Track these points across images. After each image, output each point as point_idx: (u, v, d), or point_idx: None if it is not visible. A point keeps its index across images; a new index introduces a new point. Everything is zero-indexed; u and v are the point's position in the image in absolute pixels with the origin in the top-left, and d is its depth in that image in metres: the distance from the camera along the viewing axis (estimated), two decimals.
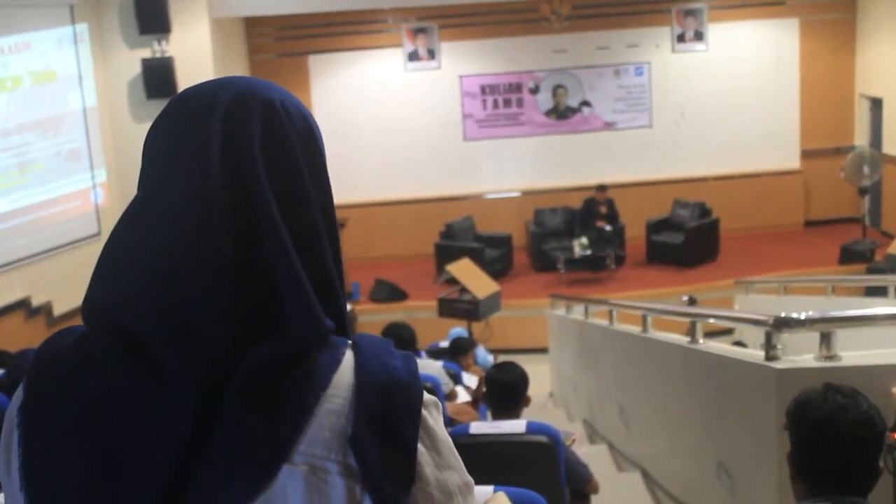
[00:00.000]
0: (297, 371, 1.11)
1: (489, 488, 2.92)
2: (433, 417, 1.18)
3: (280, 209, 1.13)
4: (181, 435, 1.07)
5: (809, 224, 15.79)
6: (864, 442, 2.38)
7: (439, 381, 6.14)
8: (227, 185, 1.12)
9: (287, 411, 1.09)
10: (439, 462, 1.17)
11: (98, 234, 11.54)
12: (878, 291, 9.37)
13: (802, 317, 3.95)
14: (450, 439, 1.21)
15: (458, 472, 1.19)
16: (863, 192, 13.98)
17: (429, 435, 1.16)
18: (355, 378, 1.13)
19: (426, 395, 1.18)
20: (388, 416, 1.12)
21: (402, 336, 6.75)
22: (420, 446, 1.14)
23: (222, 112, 1.15)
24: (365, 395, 1.12)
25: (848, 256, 13.33)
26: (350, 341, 1.18)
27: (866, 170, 13.62)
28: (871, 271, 12.15)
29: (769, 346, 4.03)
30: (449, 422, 5.08)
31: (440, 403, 1.22)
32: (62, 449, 1.11)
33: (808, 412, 2.42)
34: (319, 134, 1.25)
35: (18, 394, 1.16)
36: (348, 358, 1.15)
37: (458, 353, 8.01)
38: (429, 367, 6.29)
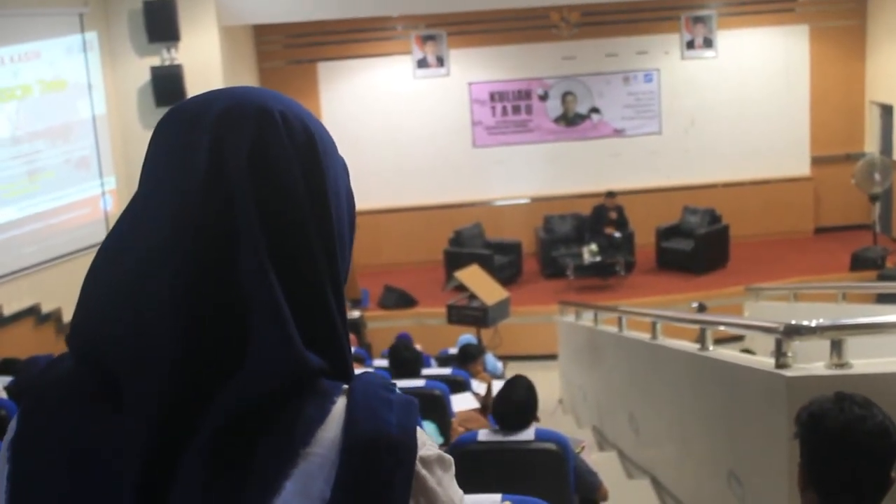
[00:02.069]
0: (275, 422, 1.00)
1: (497, 497, 2.90)
2: (435, 477, 1.06)
3: (264, 227, 1.02)
4: (133, 496, 0.98)
5: (820, 231, 15.73)
6: (879, 452, 2.35)
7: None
8: (209, 196, 1.03)
9: (259, 473, 0.98)
10: None
11: None
12: (890, 298, 9.32)
13: (813, 324, 3.92)
14: (458, 498, 1.10)
15: None
16: (873, 198, 13.93)
17: (427, 497, 1.05)
18: (342, 433, 1.01)
19: (430, 452, 1.07)
20: (373, 478, 1.00)
21: (403, 358, 6.73)
22: None
23: (213, 120, 1.06)
24: (348, 455, 1.00)
25: (859, 263, 13.27)
26: (346, 387, 1.06)
27: (877, 176, 13.57)
28: (882, 278, 12.10)
29: (780, 353, 4.00)
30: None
31: (447, 458, 1.10)
32: (43, 493, 1.05)
33: (823, 422, 2.39)
34: (327, 149, 1.12)
35: (12, 426, 1.10)
36: (338, 409, 1.03)
37: (466, 360, 8.00)
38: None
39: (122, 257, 1.06)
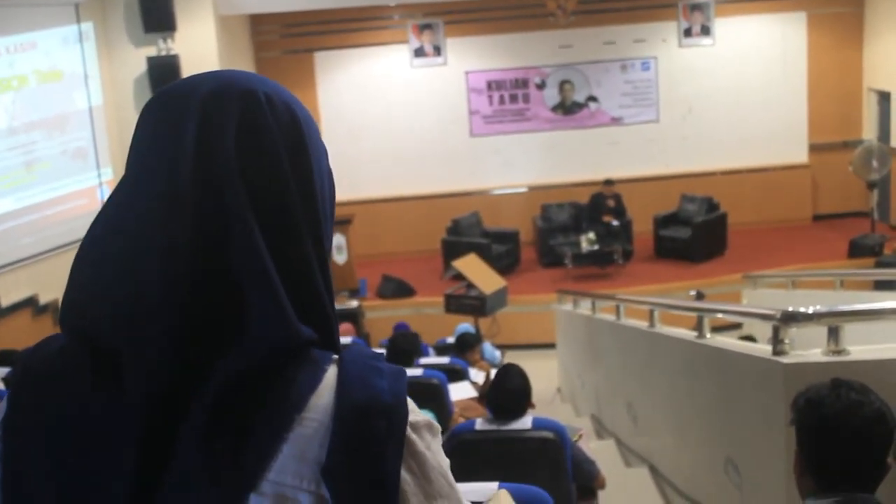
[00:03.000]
0: (270, 390, 1.03)
1: (494, 485, 2.89)
2: (424, 441, 1.09)
3: (253, 205, 1.05)
4: (134, 462, 1.00)
5: (818, 218, 15.73)
6: (876, 439, 2.36)
7: None
8: (197, 176, 1.05)
9: (256, 436, 1.01)
10: (429, 491, 1.09)
11: None
12: (887, 285, 9.33)
13: (810, 311, 3.93)
14: (445, 464, 1.13)
15: (451, 501, 1.11)
16: (871, 185, 13.93)
17: (417, 461, 1.08)
18: (335, 399, 1.04)
19: (419, 417, 1.10)
20: (367, 442, 1.03)
21: (402, 349, 6.76)
22: (406, 474, 1.06)
23: (198, 103, 1.08)
24: (342, 420, 1.03)
25: (856, 250, 13.28)
26: (335, 356, 1.09)
27: (875, 163, 13.57)
28: (879, 265, 12.11)
29: (777, 340, 4.00)
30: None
31: (436, 425, 1.14)
32: (36, 472, 1.06)
33: (820, 409, 2.39)
34: (311, 131, 1.15)
35: (3, 406, 1.11)
36: (330, 376, 1.06)
37: (464, 349, 8.01)
38: None
39: (113, 237, 1.08)
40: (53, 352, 1.11)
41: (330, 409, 1.04)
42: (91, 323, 1.06)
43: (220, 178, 1.05)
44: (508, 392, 4.46)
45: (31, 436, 1.07)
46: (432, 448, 1.11)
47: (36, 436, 1.06)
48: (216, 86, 1.11)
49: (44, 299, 10.78)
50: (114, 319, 1.04)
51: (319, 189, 1.13)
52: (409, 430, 1.07)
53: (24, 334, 9.76)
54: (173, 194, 1.05)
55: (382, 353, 1.14)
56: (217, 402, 1.01)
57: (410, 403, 1.09)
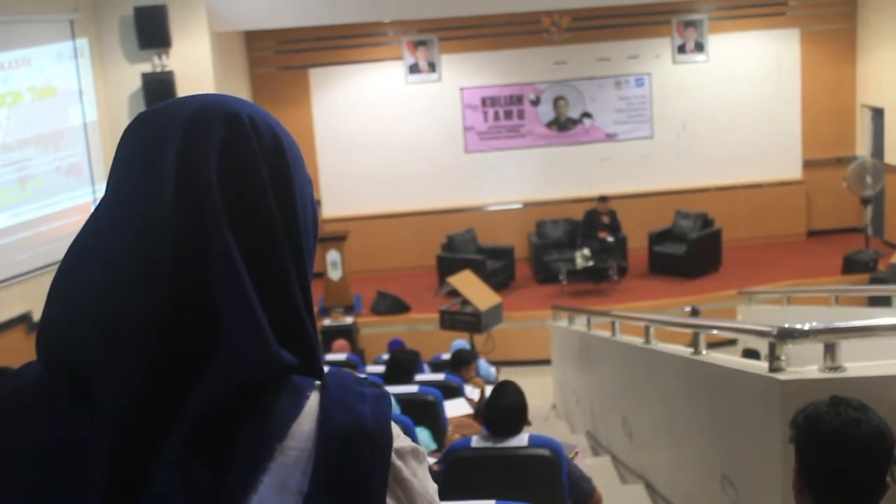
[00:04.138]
0: (250, 418, 1.00)
1: (490, 503, 2.89)
2: (410, 468, 1.08)
3: (233, 228, 1.03)
4: (104, 493, 0.97)
5: (812, 234, 15.76)
6: (875, 456, 2.35)
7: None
8: (178, 200, 1.03)
9: (235, 466, 0.98)
10: None
11: None
12: (882, 301, 9.33)
13: (806, 327, 3.92)
14: (433, 490, 1.10)
15: None
16: (865, 201, 13.96)
17: (403, 488, 1.06)
18: (317, 426, 1.02)
19: (404, 443, 1.08)
20: (351, 471, 1.01)
21: (403, 367, 6.76)
22: (392, 502, 1.05)
23: (180, 125, 1.06)
24: (325, 448, 1.01)
25: (851, 266, 13.29)
26: (318, 382, 1.07)
27: (868, 179, 13.61)
28: (874, 281, 12.12)
29: (773, 357, 4.00)
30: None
31: (422, 451, 1.11)
32: (5, 501, 1.03)
33: (819, 426, 2.39)
34: (294, 154, 1.13)
35: None
36: (312, 402, 1.04)
37: (459, 366, 7.99)
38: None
39: (90, 261, 1.05)
40: (27, 380, 1.08)
41: (312, 437, 1.02)
42: (66, 346, 1.04)
43: (201, 202, 1.03)
44: (505, 409, 4.44)
45: (1, 468, 1.04)
46: (418, 475, 1.09)
47: (6, 468, 1.03)
48: (199, 108, 1.09)
49: (37, 316, 10.74)
50: (90, 343, 1.01)
51: (302, 215, 1.11)
52: (394, 457, 1.05)
53: (18, 351, 9.73)
54: (153, 217, 1.03)
55: (366, 378, 1.12)
56: (194, 430, 0.98)
57: (395, 429, 1.07)
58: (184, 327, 1.00)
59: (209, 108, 1.09)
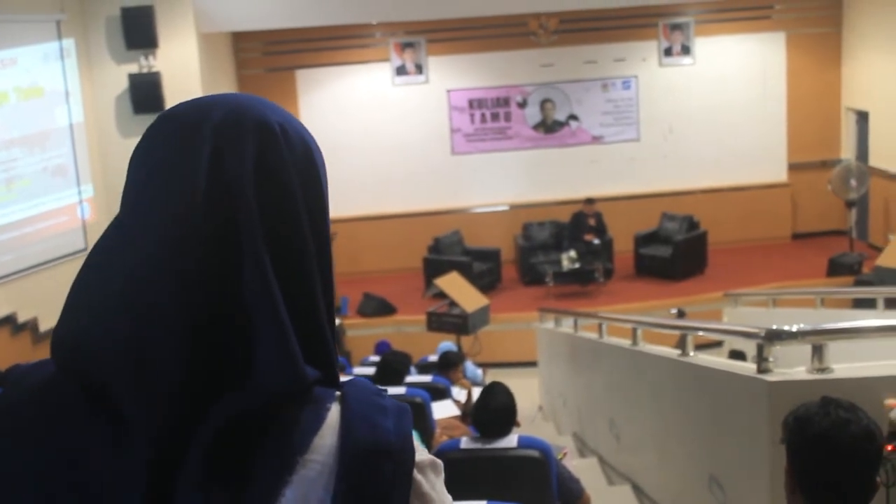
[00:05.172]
0: (272, 431, 0.99)
1: None
2: (429, 482, 1.07)
3: (266, 241, 1.01)
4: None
5: (797, 237, 15.82)
6: (865, 456, 2.37)
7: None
8: (211, 210, 1.00)
9: (257, 481, 0.98)
10: None
11: (85, 249, 11.45)
12: (867, 303, 9.37)
13: (794, 329, 3.94)
14: (449, 502, 1.10)
15: None
16: (850, 204, 14.03)
17: (423, 502, 1.06)
18: (339, 440, 1.01)
19: (423, 456, 1.07)
20: (373, 485, 1.00)
21: (394, 369, 6.75)
22: None
23: (212, 130, 1.03)
24: (348, 462, 1.00)
25: (836, 269, 13.35)
26: (337, 394, 1.06)
27: (853, 182, 13.68)
28: (858, 283, 12.17)
29: (761, 358, 4.02)
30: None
31: (439, 463, 1.11)
32: None
33: (810, 426, 2.41)
34: (321, 162, 1.11)
35: None
36: (333, 415, 1.03)
37: (447, 368, 7.98)
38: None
39: (114, 267, 1.02)
40: (37, 385, 1.05)
41: (334, 451, 1.01)
42: (85, 359, 1.01)
43: (235, 212, 1.01)
44: (494, 410, 4.45)
45: (12, 478, 1.01)
46: (437, 488, 1.08)
47: (18, 478, 1.01)
48: (228, 113, 1.06)
49: (22, 318, 10.69)
50: (114, 353, 0.99)
51: (328, 223, 1.11)
52: (414, 472, 1.05)
53: (2, 352, 9.68)
54: (183, 226, 1.00)
55: (385, 390, 1.11)
56: (216, 445, 0.97)
57: (415, 442, 1.07)
58: (212, 342, 0.99)
59: (239, 115, 1.06)
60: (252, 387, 0.98)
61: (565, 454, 4.83)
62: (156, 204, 1.02)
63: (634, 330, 6.45)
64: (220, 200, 1.01)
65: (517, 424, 4.60)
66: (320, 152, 1.13)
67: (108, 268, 1.03)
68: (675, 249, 14.15)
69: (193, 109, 1.07)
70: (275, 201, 1.04)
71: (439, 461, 1.11)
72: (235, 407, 0.98)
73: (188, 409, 0.98)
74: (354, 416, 1.03)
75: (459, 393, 7.37)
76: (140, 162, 1.07)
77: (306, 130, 1.12)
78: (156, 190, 1.03)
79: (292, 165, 1.06)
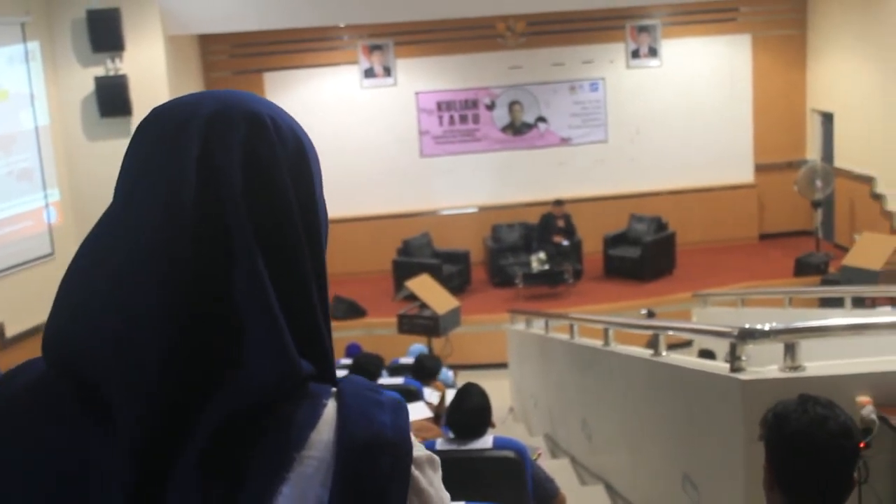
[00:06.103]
0: (268, 427, 0.98)
1: None
2: (426, 477, 1.06)
3: (257, 235, 1.00)
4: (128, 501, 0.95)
5: (764, 237, 15.94)
6: (843, 452, 2.39)
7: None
8: (200, 204, 0.99)
9: (254, 478, 0.96)
10: None
11: (51, 254, 11.37)
12: (834, 303, 9.47)
13: (767, 328, 3.97)
14: (447, 498, 1.10)
15: None
16: (816, 205, 14.16)
17: (421, 498, 1.05)
18: (336, 435, 1.00)
19: (420, 452, 1.07)
20: (371, 481, 1.00)
21: (366, 371, 6.73)
22: None
23: (201, 124, 1.02)
24: (345, 458, 0.99)
25: (802, 269, 13.47)
26: (333, 389, 1.05)
27: (819, 183, 13.81)
28: (825, 283, 12.29)
29: (734, 357, 4.04)
30: None
31: (436, 459, 1.11)
32: None
33: (788, 423, 2.43)
34: (314, 157, 1.12)
35: None
36: (329, 411, 1.02)
37: (424, 377, 7.86)
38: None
39: (103, 264, 1.01)
40: (28, 383, 1.04)
41: (331, 446, 1.00)
42: (75, 356, 1.00)
43: (224, 207, 1.00)
44: (470, 411, 4.45)
45: (7, 479, 1.00)
46: (434, 484, 1.08)
47: (8, 475, 1.00)
48: (218, 107, 1.05)
49: None
50: (102, 352, 0.98)
51: (323, 218, 1.11)
52: (412, 468, 1.04)
53: None
54: (172, 222, 0.99)
55: (381, 385, 1.11)
56: (211, 442, 0.96)
57: (412, 438, 1.06)
58: (202, 337, 0.98)
59: (229, 108, 1.05)
60: (246, 381, 0.97)
61: (540, 454, 4.85)
62: (143, 201, 1.01)
63: (606, 330, 6.48)
64: (209, 194, 1.00)
65: (492, 425, 4.61)
66: (313, 146, 1.12)
67: (97, 264, 1.02)
68: (644, 250, 14.22)
69: (183, 106, 1.06)
70: (266, 194, 1.03)
71: (436, 457, 1.11)
72: (231, 404, 0.97)
73: (179, 408, 0.96)
74: (351, 411, 1.02)
75: (432, 395, 7.37)
76: (129, 158, 1.06)
77: (298, 124, 1.11)
78: (143, 187, 1.02)
79: (283, 158, 1.06)
